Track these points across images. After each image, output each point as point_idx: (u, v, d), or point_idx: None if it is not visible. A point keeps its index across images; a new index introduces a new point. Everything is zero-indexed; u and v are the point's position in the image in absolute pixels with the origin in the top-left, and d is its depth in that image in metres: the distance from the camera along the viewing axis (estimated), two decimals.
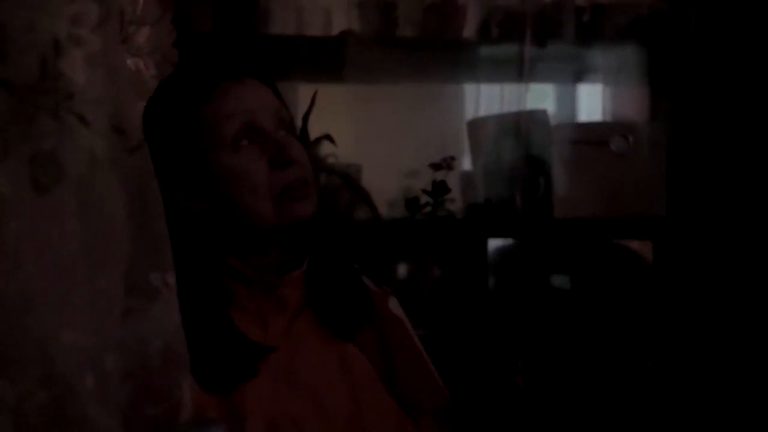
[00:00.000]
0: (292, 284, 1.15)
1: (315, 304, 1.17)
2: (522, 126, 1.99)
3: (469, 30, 2.03)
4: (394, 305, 1.25)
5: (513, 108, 2.07)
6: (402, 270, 2.11)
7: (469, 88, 2.17)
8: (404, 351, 1.21)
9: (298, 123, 1.74)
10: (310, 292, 1.16)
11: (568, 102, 2.21)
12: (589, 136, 1.95)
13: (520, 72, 2.04)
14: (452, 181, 1.98)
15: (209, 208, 1.12)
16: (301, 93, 1.93)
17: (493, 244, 2.11)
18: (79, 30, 0.67)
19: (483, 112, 2.15)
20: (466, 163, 2.09)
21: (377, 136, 1.99)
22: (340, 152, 1.91)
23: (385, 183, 2.00)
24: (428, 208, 1.94)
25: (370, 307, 1.20)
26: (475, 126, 2.08)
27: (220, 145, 1.10)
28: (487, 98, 2.16)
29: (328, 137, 1.87)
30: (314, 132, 1.86)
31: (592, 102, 2.20)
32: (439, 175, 1.94)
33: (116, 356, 0.74)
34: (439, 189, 1.93)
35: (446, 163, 1.93)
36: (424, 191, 1.93)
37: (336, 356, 1.15)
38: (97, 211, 0.72)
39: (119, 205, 0.73)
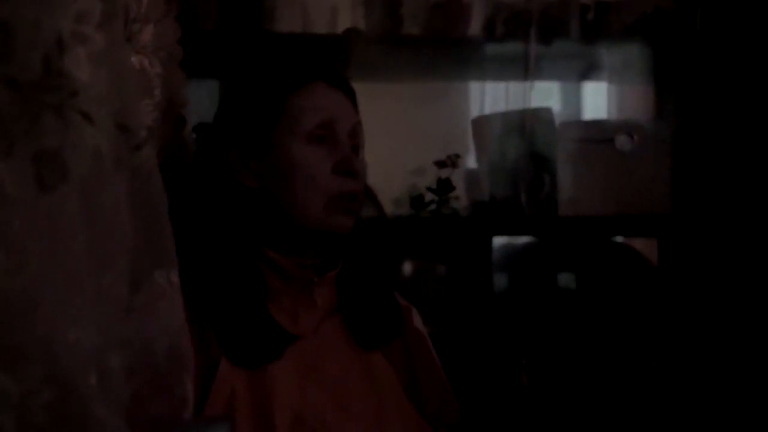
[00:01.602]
0: (326, 284, 1.18)
1: (345, 310, 1.20)
2: (527, 124, 1.99)
3: (475, 28, 2.02)
4: (417, 320, 1.29)
5: (518, 106, 2.07)
6: (407, 268, 2.11)
7: (474, 86, 2.17)
8: (426, 366, 1.25)
9: None
10: (342, 297, 1.20)
11: (573, 100, 2.21)
12: (594, 134, 1.94)
13: (525, 70, 2.03)
14: (457, 179, 1.98)
15: (263, 188, 1.15)
16: None
17: (498, 241, 2.11)
18: (83, 27, 0.67)
19: (488, 110, 2.15)
20: (471, 161, 2.09)
21: (382, 133, 1.99)
22: None
23: (391, 181, 2.00)
24: (433, 206, 1.94)
25: (399, 322, 1.24)
26: (480, 124, 2.07)
27: (295, 134, 1.15)
28: (492, 96, 2.16)
29: None
30: None
31: (597, 100, 2.20)
32: (444, 173, 1.94)
33: (121, 354, 0.75)
34: (444, 187, 1.93)
35: (451, 161, 1.93)
36: (429, 189, 1.93)
37: (361, 361, 1.18)
38: (101, 209, 0.72)
39: (124, 202, 0.73)
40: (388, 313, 1.23)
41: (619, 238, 2.18)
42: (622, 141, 1.92)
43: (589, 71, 2.15)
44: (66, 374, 0.70)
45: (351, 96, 1.23)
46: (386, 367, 1.19)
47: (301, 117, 1.15)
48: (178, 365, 0.78)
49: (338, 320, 1.19)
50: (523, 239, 2.13)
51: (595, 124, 2.09)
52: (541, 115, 2.00)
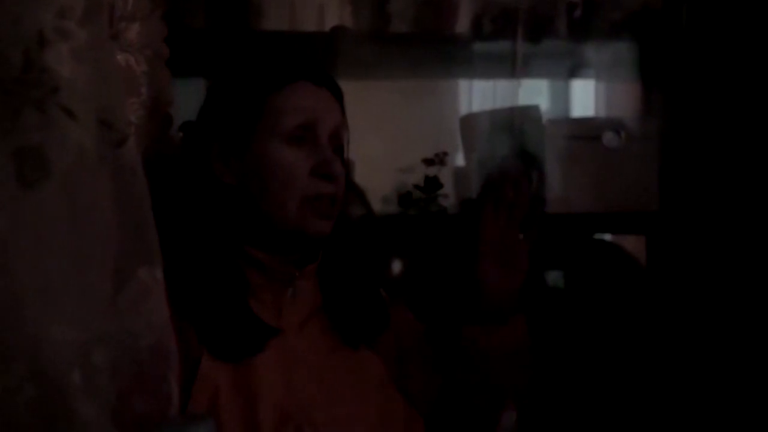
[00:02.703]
0: (307, 277, 1.18)
1: (330, 308, 1.19)
2: (515, 122, 1.99)
3: (462, 26, 2.03)
4: (405, 310, 1.29)
5: (506, 104, 2.07)
6: (395, 266, 2.11)
7: (462, 84, 2.17)
8: (417, 352, 1.24)
9: None
10: (326, 295, 1.20)
11: (561, 98, 2.21)
12: (582, 132, 1.95)
13: (513, 68, 2.04)
14: (445, 176, 1.98)
15: (241, 185, 1.15)
16: None
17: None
18: (65, 23, 0.67)
19: (476, 107, 2.15)
20: (459, 159, 2.09)
21: (370, 131, 1.99)
22: None
23: (379, 179, 2.00)
24: (421, 204, 1.94)
25: (385, 317, 1.23)
26: (468, 122, 2.07)
27: (274, 134, 1.14)
28: (480, 94, 2.16)
29: None
30: None
31: (584, 97, 2.20)
32: (432, 171, 1.94)
33: (105, 351, 0.74)
34: (432, 184, 1.93)
35: (439, 159, 1.93)
36: (417, 187, 1.94)
37: (347, 356, 1.18)
38: (85, 205, 0.71)
39: (107, 199, 0.73)
40: (373, 310, 1.22)
41: (607, 236, 2.18)
42: (609, 138, 1.92)
43: (576, 69, 2.16)
44: (49, 371, 0.70)
45: (337, 96, 1.22)
46: (374, 360, 1.19)
47: (281, 118, 1.15)
48: (162, 362, 0.77)
49: (323, 318, 1.19)
50: None
51: (583, 121, 2.09)
52: (529, 112, 2.01)
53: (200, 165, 1.17)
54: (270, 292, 1.15)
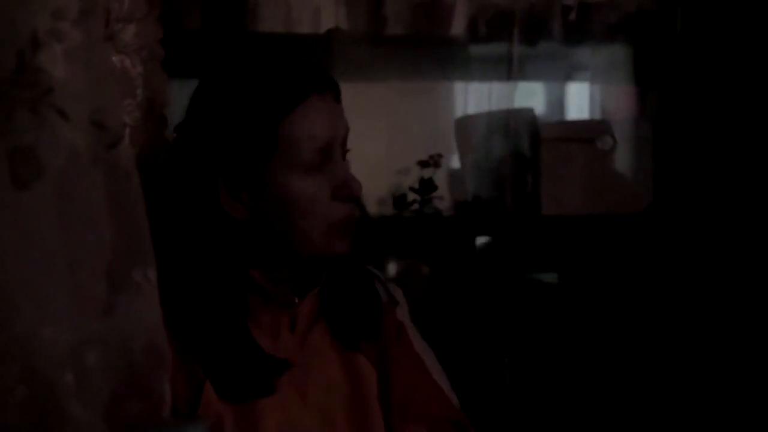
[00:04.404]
0: (309, 301, 1.14)
1: (328, 315, 1.16)
2: (510, 124, 2.00)
3: (458, 28, 2.03)
4: (401, 313, 1.24)
5: (501, 106, 2.08)
6: (391, 267, 2.11)
7: (458, 87, 2.18)
8: (401, 357, 1.19)
9: None
10: (325, 304, 1.16)
11: (556, 100, 2.22)
12: (576, 134, 1.95)
13: (508, 70, 2.04)
14: (441, 179, 1.99)
15: (255, 219, 1.08)
16: None
17: (481, 241, 2.12)
18: (60, 24, 0.67)
19: (471, 110, 2.15)
20: (454, 161, 2.09)
21: (365, 133, 1.99)
22: None
23: (375, 181, 2.00)
24: (416, 206, 1.94)
25: (379, 318, 1.19)
26: (464, 124, 2.08)
27: (291, 167, 1.06)
28: (475, 96, 2.16)
29: None
30: None
31: (579, 100, 2.21)
32: (427, 173, 1.94)
33: (98, 352, 0.74)
34: (427, 186, 1.93)
35: (434, 161, 1.93)
36: (412, 189, 1.94)
37: (347, 367, 1.14)
38: (77, 206, 0.71)
39: (100, 200, 0.73)
40: (371, 310, 1.19)
41: (601, 237, 2.18)
42: (603, 140, 1.93)
43: (571, 71, 2.16)
44: (41, 372, 0.70)
45: (338, 95, 1.14)
46: (370, 372, 1.16)
47: (298, 147, 1.06)
48: (155, 363, 0.77)
49: (322, 326, 1.15)
50: (506, 238, 2.14)
51: (577, 123, 2.10)
52: (524, 115, 2.01)
53: (205, 200, 1.08)
54: (268, 314, 1.11)
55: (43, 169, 0.68)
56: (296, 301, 1.12)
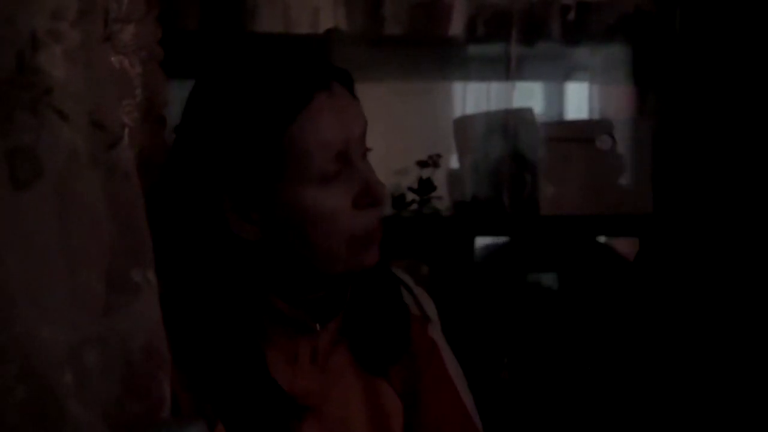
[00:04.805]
0: (331, 327, 1.03)
1: (351, 336, 1.05)
2: (509, 124, 2.00)
3: (457, 28, 2.03)
4: (433, 329, 1.12)
5: (500, 106, 2.08)
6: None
7: (456, 87, 2.18)
8: (433, 383, 1.09)
9: None
10: (347, 323, 1.05)
11: (555, 100, 2.22)
12: (575, 134, 1.95)
13: (507, 70, 2.04)
14: (440, 179, 1.99)
15: (269, 239, 0.96)
16: None
17: (481, 241, 2.12)
18: (58, 25, 0.67)
19: (470, 110, 2.15)
20: (453, 161, 2.09)
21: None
22: None
23: None
24: (414, 206, 1.94)
25: (407, 341, 1.07)
26: (462, 124, 2.08)
27: (305, 178, 0.94)
28: (474, 96, 2.17)
29: None
30: None
31: (578, 100, 2.21)
32: (426, 173, 1.95)
33: (97, 352, 0.74)
34: (425, 186, 1.93)
35: (432, 161, 1.93)
36: (410, 189, 1.94)
37: (369, 397, 1.05)
38: (77, 206, 0.72)
39: (100, 200, 0.73)
40: (398, 332, 1.06)
41: (601, 238, 2.19)
42: (602, 140, 1.93)
43: (570, 71, 2.16)
44: (40, 372, 0.70)
45: (350, 85, 1.00)
46: (395, 404, 1.05)
47: (309, 158, 0.94)
48: (154, 364, 0.77)
49: (343, 347, 1.04)
50: (504, 238, 2.14)
51: (576, 123, 2.10)
52: (523, 115, 2.01)
53: (211, 223, 0.96)
54: (286, 337, 1.00)
55: (43, 169, 0.68)
56: (317, 327, 1.01)
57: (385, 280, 1.07)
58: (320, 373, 1.02)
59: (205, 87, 1.02)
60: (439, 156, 1.96)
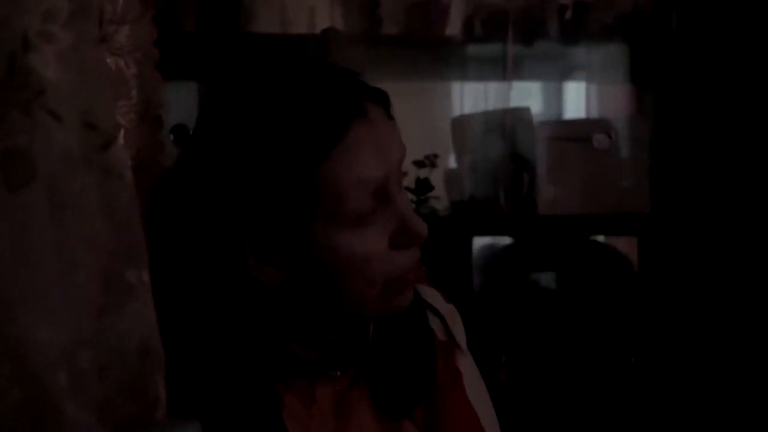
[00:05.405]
0: (349, 377, 0.96)
1: (371, 378, 0.96)
2: (506, 124, 2.00)
3: (453, 28, 2.03)
4: (461, 358, 1.03)
5: (497, 106, 2.08)
6: None
7: (454, 86, 2.18)
8: (455, 418, 1.00)
9: None
10: (367, 364, 0.96)
11: (553, 100, 2.22)
12: (572, 133, 1.95)
13: (504, 70, 2.04)
14: (437, 178, 1.99)
15: (293, 283, 0.87)
16: None
17: (478, 241, 2.12)
18: (50, 26, 0.67)
19: (467, 109, 2.15)
20: (451, 161, 2.09)
21: None
22: None
23: None
24: (412, 206, 1.94)
25: (431, 383, 0.98)
26: (460, 124, 2.08)
27: (338, 220, 0.84)
28: (471, 96, 2.17)
29: None
30: None
31: (576, 99, 2.21)
32: (423, 173, 1.95)
33: (92, 353, 0.74)
34: (423, 186, 1.94)
35: (429, 161, 1.94)
36: (408, 189, 1.94)
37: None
38: (71, 208, 0.72)
39: (93, 201, 0.73)
40: (421, 376, 0.97)
41: (599, 237, 2.19)
42: (599, 139, 1.93)
43: (567, 71, 2.17)
44: (35, 373, 0.70)
45: (388, 107, 0.88)
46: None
47: (344, 198, 0.83)
48: (150, 365, 0.77)
49: (362, 389, 0.96)
50: (502, 238, 2.14)
51: (573, 123, 2.10)
52: (520, 114, 2.02)
53: (227, 265, 0.86)
54: (303, 379, 0.93)
55: (36, 170, 0.68)
56: (338, 375, 0.93)
57: (410, 312, 0.95)
58: (338, 418, 0.95)
59: (222, 114, 0.89)
60: (436, 156, 1.96)
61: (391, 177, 0.86)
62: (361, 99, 0.85)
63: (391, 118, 0.88)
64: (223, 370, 0.88)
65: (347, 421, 0.95)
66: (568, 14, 2.01)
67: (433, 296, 1.04)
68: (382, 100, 0.88)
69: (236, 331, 0.88)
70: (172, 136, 1.63)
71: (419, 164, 1.95)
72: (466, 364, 1.04)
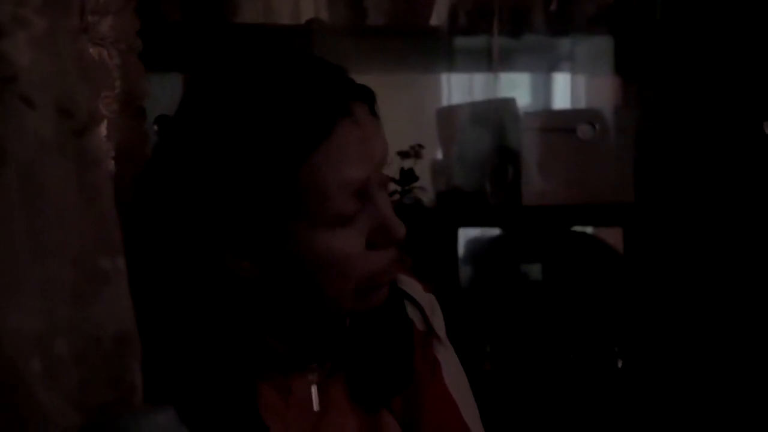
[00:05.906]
0: (327, 367, 0.97)
1: (348, 370, 0.97)
2: (491, 115, 2.00)
3: (439, 19, 2.03)
4: (439, 347, 1.04)
5: (483, 97, 2.08)
6: None
7: (439, 78, 2.18)
8: (434, 407, 1.00)
9: None
10: (344, 356, 0.97)
11: (539, 91, 2.22)
12: (557, 124, 1.96)
13: (490, 61, 2.05)
14: (422, 169, 1.99)
15: (269, 278, 0.87)
16: None
17: (463, 232, 2.12)
18: (23, 11, 0.67)
19: (453, 100, 2.15)
20: (437, 152, 2.09)
21: None
22: None
23: None
24: (396, 196, 1.94)
25: (409, 374, 0.98)
26: (445, 115, 2.08)
27: (318, 221, 0.84)
28: (456, 87, 2.17)
29: None
30: None
31: (561, 90, 2.22)
32: (407, 163, 1.95)
33: (67, 340, 0.74)
34: (407, 177, 1.94)
35: (414, 152, 1.94)
36: (392, 179, 1.94)
37: (366, 426, 0.98)
38: (44, 195, 0.71)
39: (68, 188, 0.73)
40: (398, 367, 0.98)
41: (584, 228, 2.19)
42: (584, 130, 1.93)
43: (552, 62, 2.17)
44: (9, 361, 0.70)
45: (372, 104, 0.89)
46: (394, 429, 0.98)
47: (327, 199, 0.83)
48: (125, 351, 0.77)
49: (339, 380, 0.97)
50: (488, 229, 2.15)
51: (558, 113, 2.11)
52: (506, 105, 2.02)
53: (204, 257, 0.87)
54: (279, 371, 0.94)
55: (8, 157, 0.68)
56: (315, 367, 0.95)
57: (387, 303, 0.95)
58: (315, 408, 0.95)
59: (204, 105, 0.88)
60: (420, 146, 1.96)
61: (372, 177, 0.86)
62: (348, 98, 0.85)
63: (375, 115, 0.89)
64: (199, 361, 0.89)
65: (325, 413, 0.95)
66: (553, 5, 2.01)
67: (412, 286, 1.05)
68: (368, 98, 0.88)
69: (212, 323, 0.89)
70: (156, 127, 1.63)
71: (404, 155, 1.95)
72: (445, 354, 1.04)
